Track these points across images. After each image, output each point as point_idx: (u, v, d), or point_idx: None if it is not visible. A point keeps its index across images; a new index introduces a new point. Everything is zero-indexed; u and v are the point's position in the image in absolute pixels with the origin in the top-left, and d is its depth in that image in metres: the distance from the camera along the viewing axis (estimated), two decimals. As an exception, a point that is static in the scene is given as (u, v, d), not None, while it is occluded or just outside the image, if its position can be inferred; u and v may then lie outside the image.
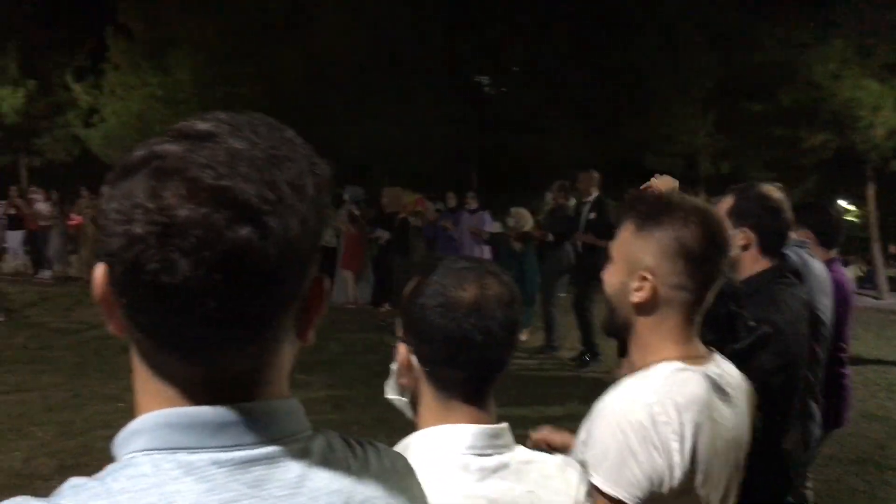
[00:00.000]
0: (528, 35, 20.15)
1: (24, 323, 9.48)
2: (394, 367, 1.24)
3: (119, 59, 24.17)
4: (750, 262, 2.32)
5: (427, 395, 1.19)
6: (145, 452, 0.63)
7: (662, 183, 2.20)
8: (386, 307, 10.68)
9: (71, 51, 25.65)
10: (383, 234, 10.77)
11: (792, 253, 2.79)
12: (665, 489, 1.28)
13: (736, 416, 1.43)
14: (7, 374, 6.91)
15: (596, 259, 7.62)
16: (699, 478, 1.31)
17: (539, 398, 6.48)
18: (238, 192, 0.58)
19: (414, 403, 1.23)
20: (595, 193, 8.10)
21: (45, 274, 14.46)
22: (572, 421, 1.51)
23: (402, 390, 1.24)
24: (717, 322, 1.57)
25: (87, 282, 13.79)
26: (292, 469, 0.64)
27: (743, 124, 16.64)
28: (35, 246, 14.96)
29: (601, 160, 19.10)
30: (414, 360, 1.19)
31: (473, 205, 10.23)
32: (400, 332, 1.21)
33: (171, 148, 0.60)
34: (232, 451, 0.62)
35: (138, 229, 0.57)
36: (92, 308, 10.79)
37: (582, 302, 7.98)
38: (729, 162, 17.62)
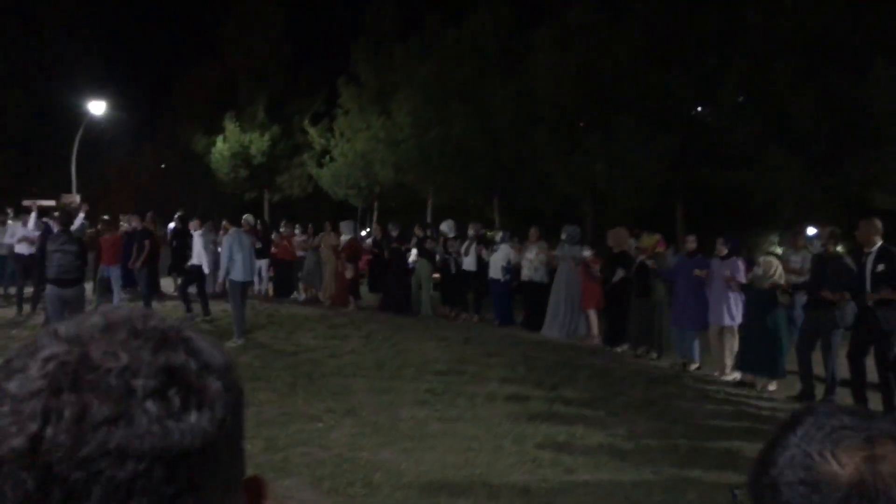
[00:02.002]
0: (747, 64, 19.34)
1: (253, 343, 10.78)
2: None
3: (349, 105, 26.74)
4: None
5: None
6: None
7: None
8: (624, 348, 10.72)
9: (309, 98, 28.75)
10: (620, 273, 10.76)
11: None
12: None
13: None
14: (231, 389, 7.97)
15: (888, 313, 7.14)
16: None
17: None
18: (159, 327, 0.54)
19: None
20: (879, 242, 7.40)
21: (300, 297, 16.04)
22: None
23: None
24: None
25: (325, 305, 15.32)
26: None
27: None
28: (286, 273, 16.36)
29: (822, 197, 17.75)
30: None
31: (723, 251, 9.64)
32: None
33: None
34: None
35: (35, 384, 0.49)
36: (311, 331, 12.01)
37: (861, 357, 7.43)
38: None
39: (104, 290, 12.89)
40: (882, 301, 7.13)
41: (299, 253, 16.24)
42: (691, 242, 10.02)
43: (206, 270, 12.93)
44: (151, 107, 32.49)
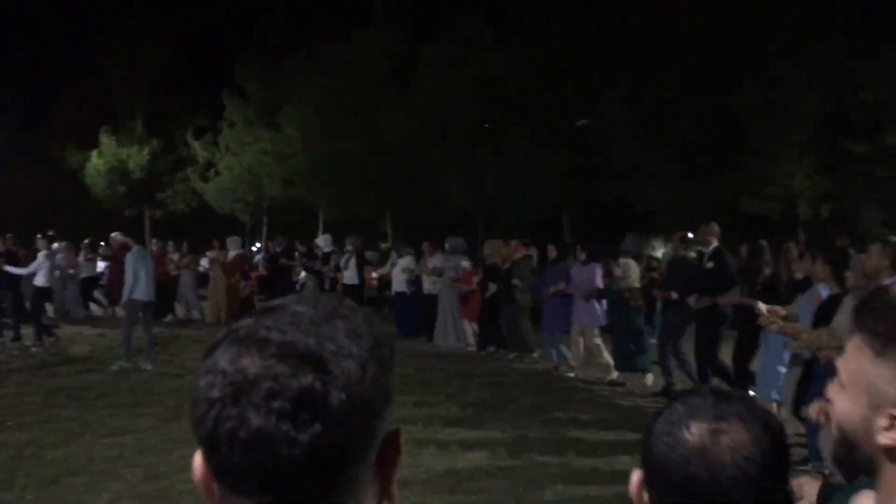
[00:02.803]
0: (628, 79, 20.19)
1: (134, 367, 10.22)
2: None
3: (234, 118, 26.05)
4: None
5: None
6: None
7: None
8: (491, 350, 11.17)
9: (192, 111, 27.79)
10: (492, 287, 11.11)
11: None
12: None
13: None
14: (110, 416, 7.43)
15: (716, 313, 7.81)
16: None
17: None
18: (300, 344, 0.65)
19: None
20: (714, 244, 8.12)
21: (177, 317, 15.45)
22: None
23: None
24: None
25: (212, 324, 14.61)
26: None
27: (845, 166, 16.05)
28: (160, 293, 15.59)
29: (699, 205, 18.73)
30: (645, 494, 1.07)
31: (582, 256, 9.84)
32: None
33: (245, 321, 0.70)
34: None
35: (216, 393, 0.65)
36: (195, 353, 11.50)
37: (709, 353, 7.99)
38: (830, 205, 16.98)
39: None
40: (704, 305, 7.90)
41: (172, 272, 15.58)
42: (552, 251, 10.67)
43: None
44: (21, 121, 30.34)
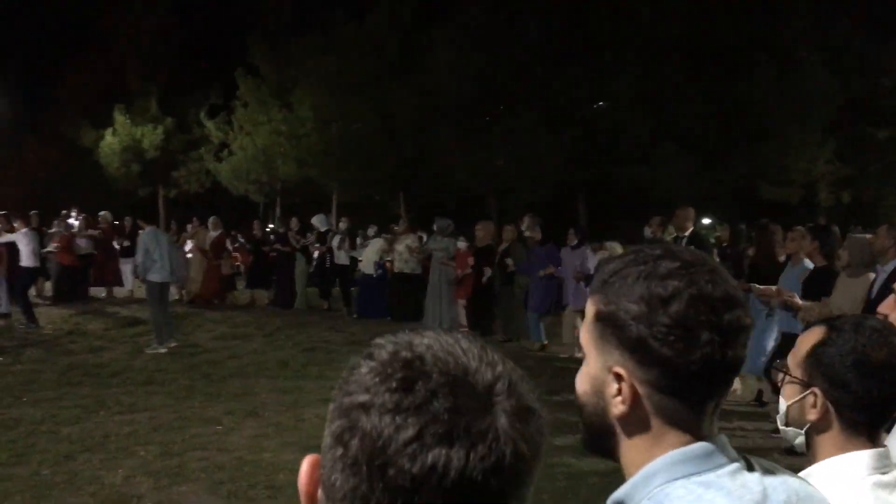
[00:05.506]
0: (640, 64, 19.94)
1: (169, 351, 9.86)
2: (783, 405, 1.47)
3: (248, 97, 25.90)
4: None
5: (834, 430, 1.39)
6: (669, 483, 0.92)
7: None
8: (497, 336, 10.97)
9: (205, 90, 27.67)
10: (487, 271, 11.09)
11: None
12: None
13: None
14: (124, 394, 7.53)
15: None
16: None
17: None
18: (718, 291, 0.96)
19: (809, 436, 1.43)
20: (690, 228, 8.15)
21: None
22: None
23: (798, 423, 1.44)
24: None
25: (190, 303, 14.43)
26: (753, 476, 0.93)
27: (867, 152, 15.83)
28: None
29: (713, 191, 18.55)
30: (824, 401, 1.38)
31: (574, 240, 10.13)
32: (798, 375, 1.43)
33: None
34: (715, 470, 0.92)
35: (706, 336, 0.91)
36: (206, 332, 11.53)
37: None
38: (850, 191, 16.76)
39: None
40: None
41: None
42: (537, 234, 10.83)
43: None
44: (33, 98, 30.39)
